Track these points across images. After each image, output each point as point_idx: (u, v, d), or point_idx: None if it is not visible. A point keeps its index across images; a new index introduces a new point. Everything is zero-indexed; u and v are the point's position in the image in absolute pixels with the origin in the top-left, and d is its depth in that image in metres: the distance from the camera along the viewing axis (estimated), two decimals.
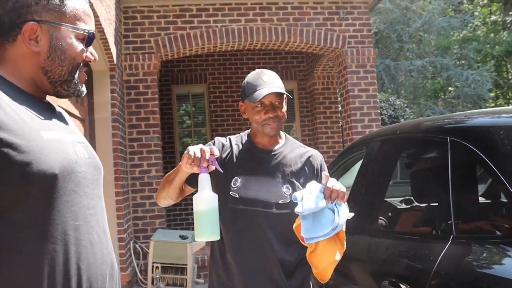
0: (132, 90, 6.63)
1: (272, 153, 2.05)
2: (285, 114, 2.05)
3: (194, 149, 1.77)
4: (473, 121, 1.96)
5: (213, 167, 1.80)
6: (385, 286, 1.84)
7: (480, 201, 1.80)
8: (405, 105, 10.95)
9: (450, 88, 15.04)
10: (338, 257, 1.73)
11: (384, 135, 2.46)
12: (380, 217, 2.38)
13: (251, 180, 1.99)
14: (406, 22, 12.83)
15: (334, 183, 1.79)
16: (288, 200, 1.94)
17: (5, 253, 1.06)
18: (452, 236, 1.68)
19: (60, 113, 1.35)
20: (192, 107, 9.59)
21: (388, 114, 9.80)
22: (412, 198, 2.24)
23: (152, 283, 5.56)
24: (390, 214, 2.38)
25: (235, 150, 2.07)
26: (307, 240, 1.73)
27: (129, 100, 6.61)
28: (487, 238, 1.60)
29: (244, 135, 2.14)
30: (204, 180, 1.76)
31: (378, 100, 7.26)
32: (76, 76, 1.28)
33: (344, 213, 1.74)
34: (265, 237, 1.93)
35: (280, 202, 1.94)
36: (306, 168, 2.04)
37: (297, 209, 1.75)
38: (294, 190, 1.95)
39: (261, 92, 1.95)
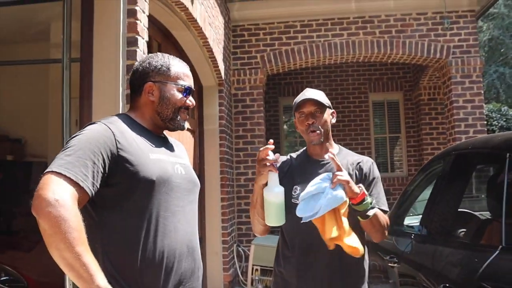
0: (239, 103, 7.07)
1: (325, 162, 2.28)
2: (327, 123, 2.28)
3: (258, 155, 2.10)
4: None
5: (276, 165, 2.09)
6: None
7: None
8: None
9: None
10: (334, 234, 1.98)
11: (458, 150, 2.57)
12: (444, 228, 2.49)
13: None
14: None
15: (342, 172, 2.02)
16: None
17: (118, 228, 1.63)
18: (501, 246, 1.79)
19: (171, 144, 1.93)
20: None
21: (499, 125, 9.36)
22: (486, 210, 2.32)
23: (252, 284, 5.90)
24: (453, 225, 2.47)
25: (294, 163, 2.35)
26: (303, 219, 2.03)
27: (236, 113, 7.05)
28: None
29: (302, 150, 2.42)
30: (272, 177, 2.08)
31: (484, 111, 7.05)
32: (178, 116, 1.84)
33: (334, 198, 1.98)
34: (322, 239, 2.14)
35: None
36: (357, 172, 2.25)
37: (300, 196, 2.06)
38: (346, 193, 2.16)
39: (300, 102, 2.27)
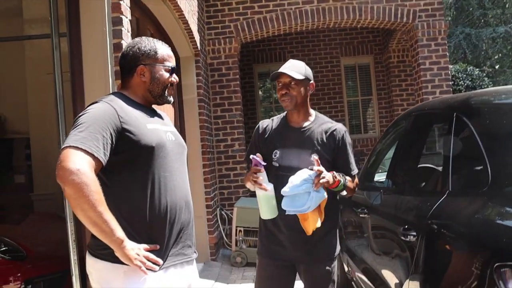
0: (216, 72, 7.28)
1: (302, 129, 2.60)
2: (300, 94, 2.58)
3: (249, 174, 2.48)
4: (473, 100, 2.36)
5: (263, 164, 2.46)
6: (401, 232, 2.33)
7: (472, 166, 2.20)
8: (484, 74, 10.74)
9: None
10: (319, 224, 2.45)
11: (418, 111, 2.89)
12: (405, 180, 2.84)
13: (287, 152, 2.55)
14: None
15: (322, 174, 2.37)
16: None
17: (127, 188, 1.92)
18: (448, 191, 2.14)
19: (159, 114, 2.20)
20: (272, 83, 10.14)
21: (465, 84, 9.77)
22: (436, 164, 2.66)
23: (236, 244, 6.26)
24: (414, 177, 2.81)
25: (275, 128, 2.65)
26: (287, 212, 2.42)
27: (213, 81, 7.27)
28: (472, 193, 2.06)
29: (283, 115, 2.71)
30: (263, 178, 2.43)
31: (449, 73, 7.41)
32: (166, 92, 2.11)
33: (318, 198, 2.39)
34: None
35: (309, 167, 2.48)
36: (331, 139, 2.59)
37: (281, 190, 2.41)
38: (321, 157, 2.48)
39: (278, 73, 2.57)
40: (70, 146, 1.75)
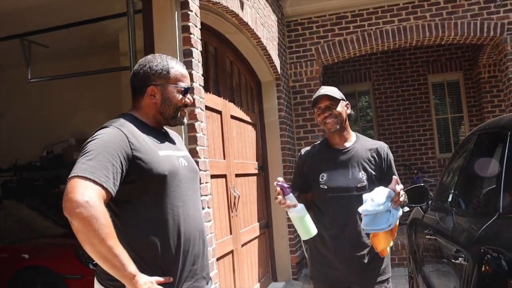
0: (298, 94, 7.42)
1: (346, 149, 2.66)
2: (342, 113, 2.64)
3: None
4: None
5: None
6: (452, 254, 2.30)
7: None
8: None
9: None
10: (391, 243, 2.42)
11: (481, 130, 2.82)
12: (463, 201, 2.77)
13: (334, 173, 2.60)
14: None
15: (401, 192, 2.38)
16: (365, 183, 2.53)
17: (138, 220, 1.81)
18: (498, 213, 2.08)
19: (172, 138, 2.08)
20: (358, 104, 10.09)
21: None
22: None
23: None
24: (469, 198, 2.73)
25: (317, 153, 2.71)
26: (366, 231, 2.40)
27: (295, 104, 7.41)
28: None
29: (323, 140, 2.79)
30: (290, 199, 2.41)
31: None
32: (178, 114, 2.00)
33: (397, 215, 2.37)
34: (350, 214, 2.53)
35: (358, 185, 2.53)
36: (376, 157, 2.64)
37: (359, 209, 2.39)
38: (367, 175, 2.55)
39: (317, 98, 2.63)
40: (78, 176, 1.64)
